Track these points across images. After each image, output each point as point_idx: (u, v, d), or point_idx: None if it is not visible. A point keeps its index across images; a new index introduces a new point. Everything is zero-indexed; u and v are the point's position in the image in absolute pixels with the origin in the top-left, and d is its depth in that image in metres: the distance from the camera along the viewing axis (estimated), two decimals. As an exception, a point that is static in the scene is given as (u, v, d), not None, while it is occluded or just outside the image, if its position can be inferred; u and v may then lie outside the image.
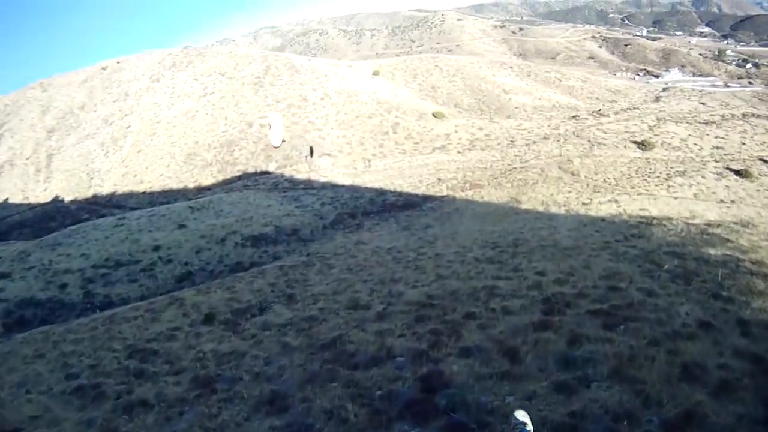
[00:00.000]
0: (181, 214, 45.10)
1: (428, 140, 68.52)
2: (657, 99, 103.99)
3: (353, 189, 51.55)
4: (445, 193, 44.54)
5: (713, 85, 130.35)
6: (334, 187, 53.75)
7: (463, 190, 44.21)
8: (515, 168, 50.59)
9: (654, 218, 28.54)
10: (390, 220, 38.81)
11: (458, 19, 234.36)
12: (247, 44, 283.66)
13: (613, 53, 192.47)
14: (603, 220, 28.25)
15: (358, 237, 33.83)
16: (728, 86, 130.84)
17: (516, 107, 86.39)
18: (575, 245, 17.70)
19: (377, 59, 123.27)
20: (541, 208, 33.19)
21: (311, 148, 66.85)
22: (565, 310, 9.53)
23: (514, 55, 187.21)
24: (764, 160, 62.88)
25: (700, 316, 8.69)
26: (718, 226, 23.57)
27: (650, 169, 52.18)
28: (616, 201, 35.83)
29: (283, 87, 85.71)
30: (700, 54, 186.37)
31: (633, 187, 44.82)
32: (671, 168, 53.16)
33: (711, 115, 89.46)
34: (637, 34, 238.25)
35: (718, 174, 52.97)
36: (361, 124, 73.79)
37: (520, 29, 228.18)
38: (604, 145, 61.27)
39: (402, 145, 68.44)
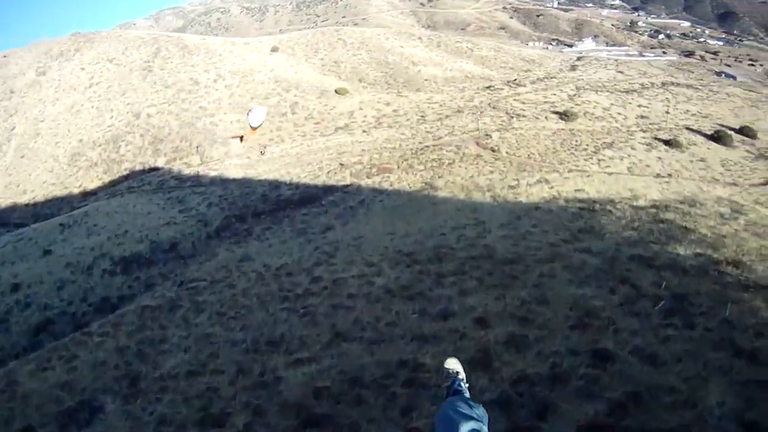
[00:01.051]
0: (49, 236, 40.77)
1: (330, 120, 65.07)
2: (573, 68, 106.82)
3: (245, 183, 47.07)
4: (348, 182, 40.76)
5: (627, 55, 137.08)
6: (224, 182, 48.98)
7: (369, 177, 40.56)
8: (428, 146, 47.81)
9: (595, 201, 26.77)
10: (284, 222, 34.73)
11: None
12: (147, 27, 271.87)
13: (524, 24, 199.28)
14: (537, 208, 25.77)
15: (245, 250, 29.67)
16: (643, 55, 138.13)
17: (426, 79, 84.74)
18: (515, 254, 14.48)
19: (280, 36, 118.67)
20: (461, 195, 30.47)
21: (203, 138, 64.26)
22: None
23: (423, 27, 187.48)
24: (691, 129, 64.97)
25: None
26: (667, 208, 22.60)
27: (576, 141, 51.62)
28: (546, 181, 33.87)
29: (173, 70, 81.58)
30: (612, 25, 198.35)
31: (561, 163, 43.71)
32: (598, 139, 53.03)
33: (631, 83, 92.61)
34: (549, 5, 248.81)
35: (647, 145, 53.50)
36: (257, 106, 70.72)
37: (429, 1, 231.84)
38: (524, 116, 60.30)
39: (302, 126, 65.11)
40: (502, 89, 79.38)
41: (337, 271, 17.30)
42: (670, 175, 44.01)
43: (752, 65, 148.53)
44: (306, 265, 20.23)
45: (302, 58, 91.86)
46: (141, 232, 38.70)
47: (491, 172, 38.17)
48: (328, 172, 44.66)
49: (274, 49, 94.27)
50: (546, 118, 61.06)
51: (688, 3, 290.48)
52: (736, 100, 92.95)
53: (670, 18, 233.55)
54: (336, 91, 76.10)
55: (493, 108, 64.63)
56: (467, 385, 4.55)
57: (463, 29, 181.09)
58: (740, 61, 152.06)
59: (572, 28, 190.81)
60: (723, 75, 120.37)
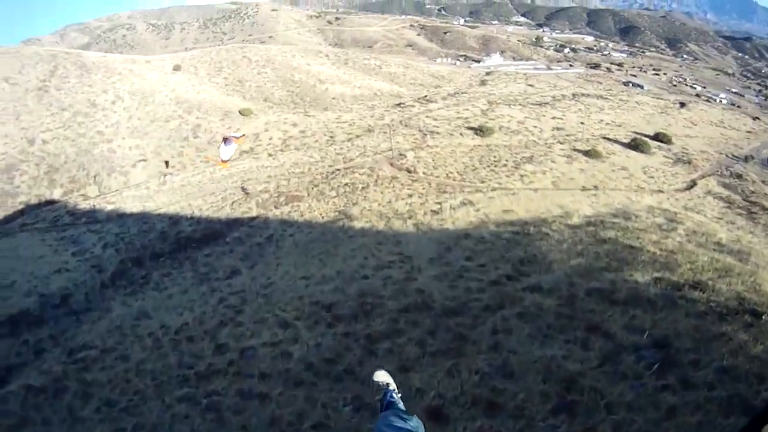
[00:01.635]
0: None
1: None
2: (483, 83, 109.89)
3: (143, 218, 43.24)
4: (255, 213, 38.17)
5: (536, 68, 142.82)
6: (121, 217, 44.85)
7: (277, 207, 38.27)
8: (339, 170, 46.14)
9: (527, 223, 25.98)
10: (185, 266, 31.83)
11: (273, 10, 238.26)
12: (52, 43, 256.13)
13: (431, 41, 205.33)
14: (467, 235, 24.53)
15: (142, 303, 26.45)
16: (551, 69, 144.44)
17: (333, 98, 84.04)
18: (456, 300, 12.70)
19: (182, 54, 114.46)
20: (381, 225, 28.86)
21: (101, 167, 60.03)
22: None
23: (330, 45, 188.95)
24: (607, 138, 67.17)
25: None
26: (603, 224, 22.71)
27: (494, 157, 51.72)
28: (470, 203, 33.03)
29: (70, 91, 75.57)
30: (518, 40, 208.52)
31: (483, 181, 43.25)
32: (516, 154, 53.48)
33: (542, 96, 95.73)
34: (455, 23, 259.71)
35: (567, 157, 54.36)
36: (158, 129, 67.31)
37: (337, 19, 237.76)
38: (438, 133, 60.23)
39: (204, 151, 62.17)
40: (413, 106, 79.79)
41: (245, 335, 14.80)
42: (596, 187, 44.85)
43: (656, 74, 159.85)
44: (209, 325, 17.56)
45: (205, 77, 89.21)
46: (30, 282, 33.96)
47: (410, 195, 37.00)
48: (233, 203, 41.87)
49: (177, 68, 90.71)
50: (461, 134, 61.32)
51: (592, 18, 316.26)
52: (646, 107, 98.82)
53: (574, 33, 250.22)
54: (240, 112, 74.25)
55: (406, 126, 64.35)
56: (400, 395, 4.72)
57: (370, 47, 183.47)
58: (645, 71, 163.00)
59: (479, 44, 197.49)
60: (630, 84, 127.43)
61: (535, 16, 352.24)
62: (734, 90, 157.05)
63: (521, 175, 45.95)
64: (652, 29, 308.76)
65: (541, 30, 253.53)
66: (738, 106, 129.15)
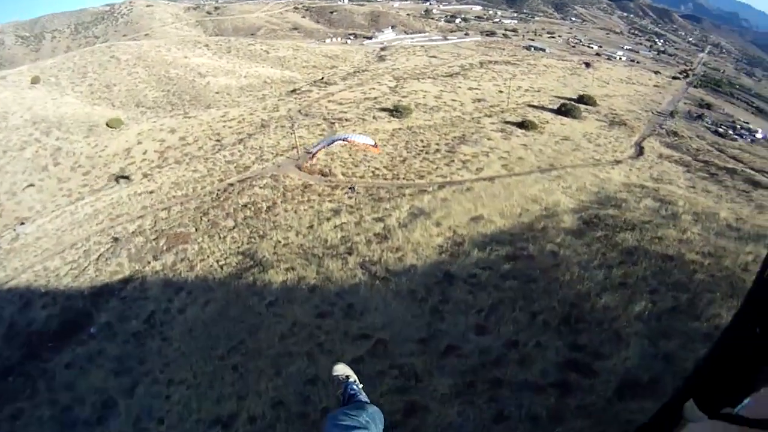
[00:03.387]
0: None
1: (102, 165, 49.63)
2: (381, 58, 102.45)
3: None
4: (128, 272, 26.38)
5: (431, 40, 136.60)
6: None
7: (157, 256, 26.57)
8: (233, 185, 35.35)
9: (513, 236, 20.15)
10: (41, 391, 20.93)
11: (148, 6, 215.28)
12: None
13: (318, 22, 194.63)
14: (450, 276, 16.63)
15: None
16: (447, 39, 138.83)
17: (217, 92, 72.15)
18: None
19: (42, 63, 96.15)
20: (311, 274, 19.09)
21: None
22: None
23: (211, 37, 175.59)
24: (533, 106, 61.01)
25: None
26: (602, 222, 21.21)
27: (422, 141, 43.07)
28: (422, 212, 24.17)
29: None
30: (408, 14, 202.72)
31: (421, 176, 34.45)
32: (445, 135, 45.19)
33: (450, 67, 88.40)
34: (340, 2, 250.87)
35: (501, 131, 47.04)
36: (12, 162, 52.65)
37: (216, 9, 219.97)
38: (347, 120, 50.74)
39: (66, 182, 48.75)
40: (311, 91, 69.64)
41: None
42: (552, 166, 37.30)
43: (552, 37, 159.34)
44: None
45: (68, 86, 74.47)
46: None
47: (335, 211, 27.33)
48: (99, 258, 29.87)
49: (35, 80, 75.69)
50: (374, 117, 52.18)
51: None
52: (556, 70, 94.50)
53: (462, 4, 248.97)
54: (108, 125, 60.19)
55: (306, 115, 54.24)
56: (361, 386, 4.54)
57: (253, 34, 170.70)
58: (540, 35, 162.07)
59: (368, 21, 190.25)
60: (532, 48, 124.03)
61: None
62: (628, 47, 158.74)
63: (462, 161, 37.57)
64: (534, 3, 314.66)
65: (428, 3, 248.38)
66: (637, 62, 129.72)
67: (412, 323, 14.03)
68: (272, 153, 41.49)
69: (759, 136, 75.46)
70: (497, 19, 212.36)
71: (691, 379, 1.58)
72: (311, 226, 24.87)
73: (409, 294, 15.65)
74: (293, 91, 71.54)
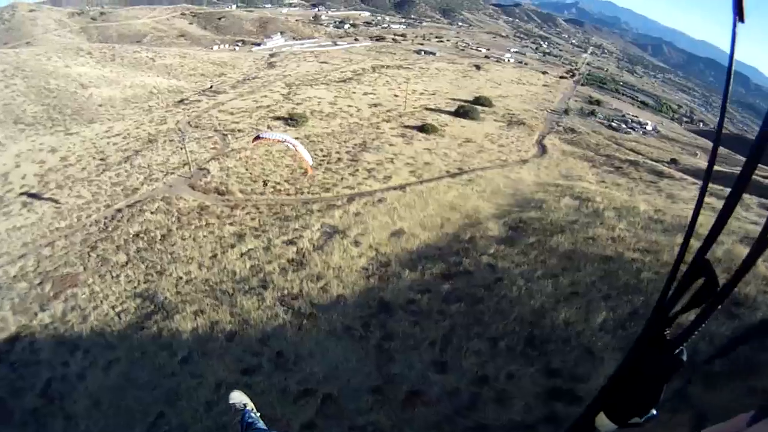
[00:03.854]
0: None
1: None
2: (271, 65, 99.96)
3: None
4: (13, 329, 20.33)
5: (321, 46, 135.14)
6: None
7: (44, 305, 21.14)
8: (121, 211, 31.08)
9: (444, 255, 18.76)
10: None
11: (30, 11, 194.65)
12: None
13: (205, 28, 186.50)
14: (386, 304, 14.72)
15: None
16: (337, 44, 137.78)
17: (100, 105, 65.34)
18: None
19: None
20: (223, 316, 15.81)
21: None
22: None
23: (94, 44, 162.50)
24: (430, 109, 60.54)
25: None
26: (530, 227, 21.30)
27: (321, 150, 40.33)
28: (337, 231, 21.76)
29: None
30: (296, 20, 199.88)
31: (327, 189, 31.78)
32: (345, 142, 43.02)
33: (342, 72, 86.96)
34: (228, 9, 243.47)
35: (402, 136, 46.49)
36: None
37: (101, 14, 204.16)
38: (240, 131, 47.11)
39: None
40: (200, 101, 65.23)
41: None
42: (461, 170, 36.13)
43: (440, 41, 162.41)
44: None
45: None
46: None
47: (240, 236, 24.09)
48: None
49: None
50: (269, 127, 49.04)
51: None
52: (448, 73, 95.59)
53: (350, 10, 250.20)
54: (-18, 148, 51.05)
55: (197, 127, 50.14)
56: (259, 413, 4.53)
57: (139, 41, 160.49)
58: (429, 40, 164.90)
59: (256, 27, 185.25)
60: (423, 53, 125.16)
61: None
62: (515, 50, 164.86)
63: (367, 170, 35.47)
64: (426, 1, 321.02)
65: (317, 9, 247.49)
66: (525, 64, 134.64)
67: (359, 369, 12.01)
68: (162, 171, 37.17)
69: (649, 128, 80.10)
70: (386, 25, 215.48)
71: (602, 392, 1.59)
72: (214, 256, 21.59)
73: (344, 332, 13.41)
74: (181, 101, 66.68)
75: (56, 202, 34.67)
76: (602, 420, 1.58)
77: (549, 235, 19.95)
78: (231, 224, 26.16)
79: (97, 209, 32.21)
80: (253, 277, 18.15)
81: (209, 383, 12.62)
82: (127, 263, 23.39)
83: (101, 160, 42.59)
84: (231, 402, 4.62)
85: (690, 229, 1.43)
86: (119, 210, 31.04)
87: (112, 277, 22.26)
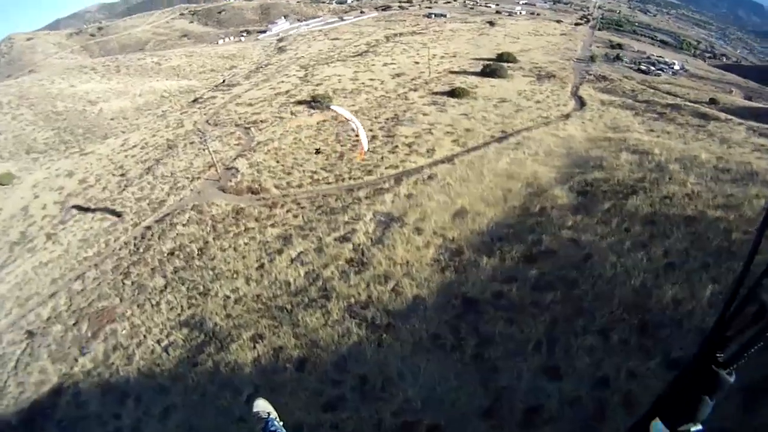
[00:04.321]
0: None
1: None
2: (281, 50, 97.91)
3: None
4: (54, 379, 18.06)
5: (327, 23, 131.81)
6: None
7: (84, 350, 18.07)
8: (151, 229, 27.76)
9: (508, 227, 17.48)
10: None
11: (28, 39, 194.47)
12: None
13: (207, 24, 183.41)
14: (470, 302, 13.27)
15: None
16: (344, 20, 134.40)
17: (112, 118, 63.83)
18: None
19: None
20: (286, 339, 12.85)
21: None
22: None
23: (97, 59, 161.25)
24: (455, 72, 58.30)
25: None
26: (590, 187, 20.07)
27: (353, 130, 38.33)
28: (393, 219, 19.41)
29: None
30: (298, 1, 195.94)
31: (370, 172, 29.10)
32: (376, 118, 40.88)
33: (356, 46, 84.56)
34: (227, 1, 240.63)
35: (433, 104, 44.08)
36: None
37: (100, 29, 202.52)
38: (263, 122, 45.20)
39: None
40: (214, 97, 63.50)
41: None
42: (504, 132, 33.92)
43: (448, 2, 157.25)
44: None
45: None
46: None
47: (285, 240, 21.78)
48: (17, 365, 21.97)
49: None
50: (292, 113, 47.14)
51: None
52: (464, 33, 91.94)
53: None
54: (-8, 186, 49.89)
55: (216, 125, 48.42)
56: (281, 422, 4.60)
57: (142, 49, 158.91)
58: (436, 2, 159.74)
59: (259, 15, 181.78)
60: (433, 16, 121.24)
61: None
62: (524, 1, 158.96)
63: (407, 145, 33.27)
64: None
65: None
66: (537, 14, 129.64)
67: (461, 388, 10.30)
68: (187, 178, 35.34)
69: (677, 67, 75.88)
70: None
71: (659, 399, 1.72)
72: (261, 266, 19.58)
73: (432, 343, 11.52)
74: (195, 100, 65.06)
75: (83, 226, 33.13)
76: (657, 425, 1.66)
77: (623, 198, 18.42)
78: (272, 226, 24.08)
79: (124, 230, 30.19)
80: (310, 287, 16.16)
81: (286, 427, 10.85)
82: (165, 287, 21.33)
83: (121, 175, 40.88)
84: (255, 410, 4.57)
85: (750, 257, 1.53)
86: (148, 227, 28.99)
87: (152, 305, 20.28)
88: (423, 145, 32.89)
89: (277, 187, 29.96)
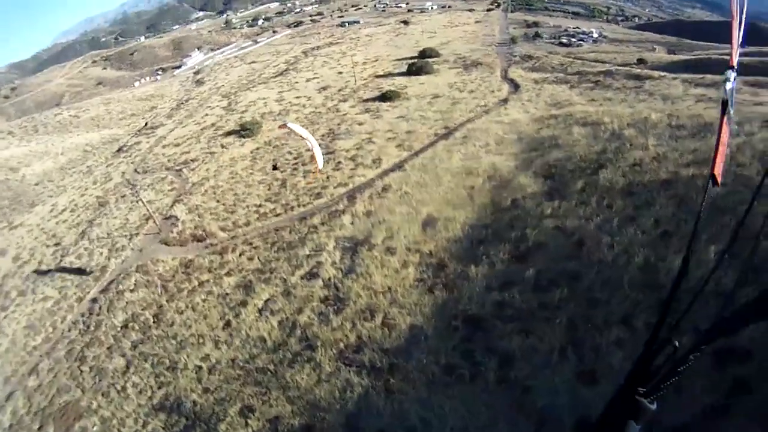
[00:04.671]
0: None
1: None
2: (199, 82, 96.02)
3: None
4: None
5: (242, 48, 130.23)
6: None
7: None
8: (97, 301, 23.99)
9: (486, 227, 16.66)
10: None
11: None
12: None
13: (121, 68, 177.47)
14: (476, 321, 12.05)
15: None
16: (258, 42, 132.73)
17: (37, 184, 59.48)
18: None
19: None
20: (281, 408, 10.61)
21: None
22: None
23: (13, 121, 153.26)
24: (380, 76, 57.39)
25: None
26: (554, 169, 20.13)
27: (290, 152, 36.21)
28: (359, 242, 17.96)
29: None
30: (209, 31, 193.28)
31: (319, 195, 26.97)
32: (315, 134, 38.14)
33: (275, 66, 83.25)
34: (138, 42, 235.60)
35: (367, 111, 42.72)
36: None
37: (13, 90, 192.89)
38: (195, 161, 42.59)
39: None
40: (139, 142, 60.20)
41: None
42: (448, 128, 32.71)
43: (358, 9, 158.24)
44: None
45: None
46: None
47: (246, 288, 19.55)
48: None
49: None
50: (222, 146, 44.74)
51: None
52: (380, 36, 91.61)
53: (257, 6, 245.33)
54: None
55: (145, 172, 45.55)
56: None
57: (58, 104, 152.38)
58: (346, 10, 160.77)
59: (171, 50, 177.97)
60: (347, 24, 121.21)
61: (214, 5, 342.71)
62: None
63: (351, 159, 31.38)
64: None
65: (226, 14, 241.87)
66: (449, 7, 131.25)
67: (497, 419, 9.10)
68: (125, 236, 32.16)
69: (596, 35, 77.83)
70: (298, 10, 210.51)
71: (589, 426, 2.10)
72: (227, 324, 17.18)
73: (448, 375, 10.26)
74: (119, 150, 61.44)
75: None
76: None
77: (592, 174, 18.06)
78: (228, 274, 21.46)
79: (69, 307, 26.90)
80: (289, 338, 14.24)
81: None
82: (127, 367, 18.46)
83: (56, 245, 37.52)
84: None
85: (669, 297, 1.91)
86: (94, 299, 25.73)
87: (118, 391, 17.43)
88: (367, 156, 31.29)
89: (223, 229, 27.41)
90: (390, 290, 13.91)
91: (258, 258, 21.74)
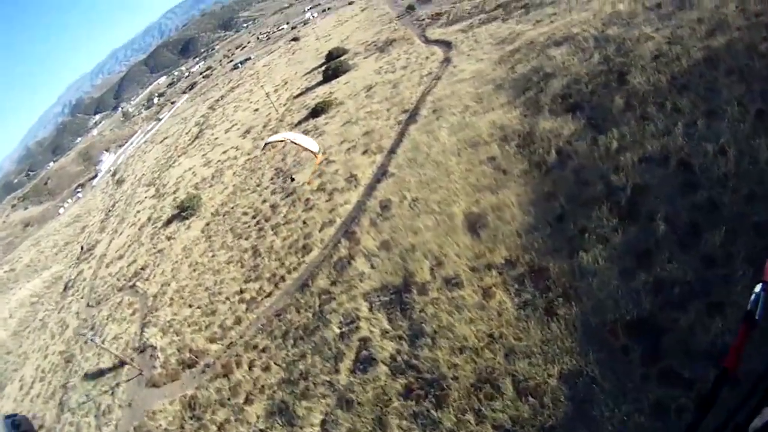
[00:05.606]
0: None
1: None
2: (120, 182, 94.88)
3: None
4: None
5: (147, 132, 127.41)
6: None
7: None
8: None
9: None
10: None
11: None
12: None
13: (41, 201, 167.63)
14: None
15: None
16: (161, 119, 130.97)
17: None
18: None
19: None
20: None
21: None
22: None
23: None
24: (300, 95, 53.38)
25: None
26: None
27: (245, 213, 31.22)
28: (443, 280, 13.54)
29: None
30: (111, 130, 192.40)
31: (307, 250, 21.75)
32: (260, 186, 34.26)
33: (187, 133, 79.81)
34: (47, 170, 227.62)
35: (308, 132, 38.13)
36: None
37: None
38: (144, 268, 36.79)
39: None
40: (81, 271, 54.05)
41: None
42: (408, 112, 28.41)
43: (243, 48, 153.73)
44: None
45: None
46: None
47: (281, 409, 13.96)
48: None
49: None
50: (168, 237, 39.40)
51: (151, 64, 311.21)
52: (278, 61, 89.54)
53: (146, 87, 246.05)
54: None
55: (98, 303, 39.11)
56: None
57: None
58: (233, 54, 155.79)
59: (81, 163, 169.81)
60: (239, 64, 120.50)
61: (106, 104, 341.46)
62: (309, 6, 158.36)
63: (319, 189, 26.08)
64: (202, 29, 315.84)
65: (120, 108, 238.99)
66: (329, 8, 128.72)
67: None
68: (107, 392, 25.09)
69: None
70: (186, 74, 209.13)
71: None
72: None
73: None
74: (65, 288, 55.47)
75: None
76: None
77: (620, 86, 14.58)
78: (248, 402, 15.77)
79: None
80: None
81: None
82: None
83: (40, 428, 31.48)
84: None
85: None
86: None
87: None
88: (336, 178, 26.22)
89: (212, 340, 21.58)
90: (494, 338, 9.42)
91: (276, 364, 16.13)
